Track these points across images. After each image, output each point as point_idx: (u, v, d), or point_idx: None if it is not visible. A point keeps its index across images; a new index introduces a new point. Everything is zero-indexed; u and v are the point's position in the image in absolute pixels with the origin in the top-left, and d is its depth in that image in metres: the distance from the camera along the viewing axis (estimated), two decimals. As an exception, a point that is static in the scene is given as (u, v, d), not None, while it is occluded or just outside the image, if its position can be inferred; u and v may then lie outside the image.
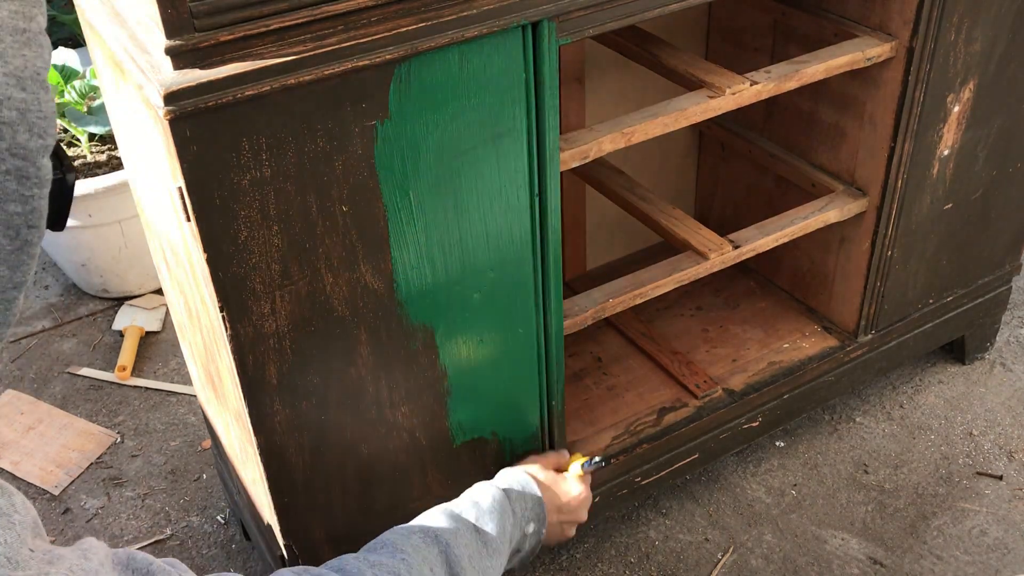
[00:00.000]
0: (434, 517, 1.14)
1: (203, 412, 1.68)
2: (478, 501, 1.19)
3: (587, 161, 1.29)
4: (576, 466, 1.36)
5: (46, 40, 0.59)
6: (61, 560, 0.60)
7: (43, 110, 0.58)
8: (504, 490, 1.22)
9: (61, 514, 1.82)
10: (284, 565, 1.31)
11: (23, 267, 0.60)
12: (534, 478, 1.28)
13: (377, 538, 1.08)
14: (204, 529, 1.78)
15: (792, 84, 1.41)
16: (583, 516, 1.34)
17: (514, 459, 1.42)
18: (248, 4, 0.90)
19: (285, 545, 1.28)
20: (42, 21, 0.59)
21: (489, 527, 1.15)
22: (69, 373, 2.15)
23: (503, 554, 1.16)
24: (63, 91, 2.20)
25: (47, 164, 0.60)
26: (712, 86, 1.37)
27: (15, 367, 2.17)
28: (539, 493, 1.25)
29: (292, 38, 0.94)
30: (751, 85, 1.37)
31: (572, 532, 1.33)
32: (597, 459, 1.35)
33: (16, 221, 0.58)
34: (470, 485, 1.39)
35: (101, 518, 1.81)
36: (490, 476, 1.41)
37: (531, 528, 1.23)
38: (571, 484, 1.33)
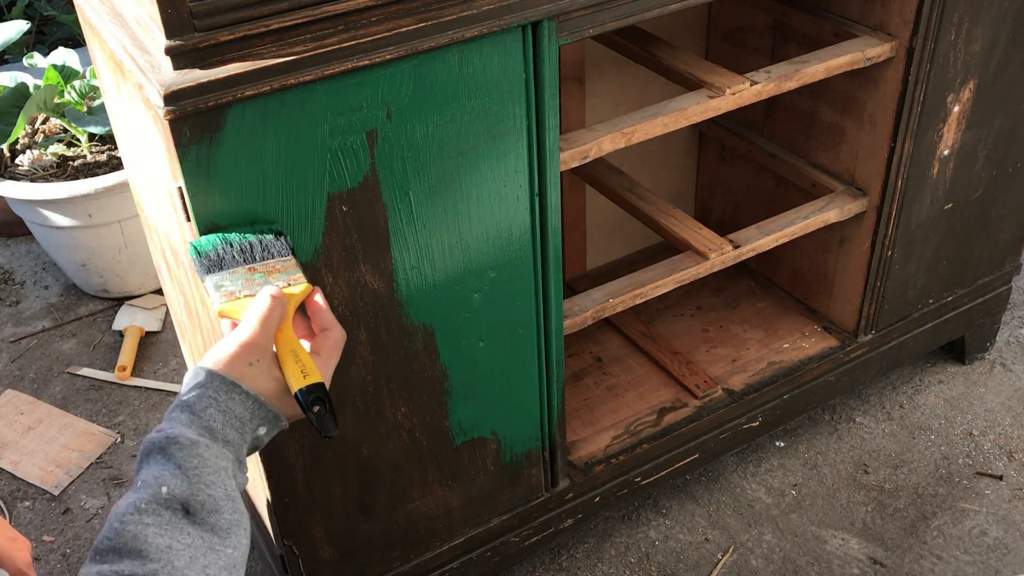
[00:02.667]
0: (129, 534, 0.78)
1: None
2: (174, 475, 0.82)
3: (587, 161, 1.29)
4: (292, 387, 0.91)
5: None
6: None
7: None
8: (210, 435, 0.86)
9: (61, 514, 1.82)
10: (284, 565, 1.31)
11: None
12: (249, 383, 0.89)
13: None
14: (204, 529, 1.78)
15: (792, 84, 1.41)
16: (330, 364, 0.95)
17: (514, 459, 1.42)
18: (248, 4, 0.90)
19: (285, 545, 1.28)
20: None
21: (205, 503, 0.82)
22: (69, 373, 2.15)
23: (237, 512, 0.84)
24: (63, 91, 2.20)
25: None
26: (712, 86, 1.37)
27: (15, 367, 2.17)
28: (252, 394, 0.88)
29: (292, 38, 0.94)
30: (751, 85, 1.37)
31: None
32: (318, 411, 0.91)
33: None
34: (471, 485, 1.40)
35: (101, 518, 1.81)
36: (490, 476, 1.41)
37: (262, 431, 0.90)
38: (291, 400, 0.92)
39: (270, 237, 0.98)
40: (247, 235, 0.97)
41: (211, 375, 0.87)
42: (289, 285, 0.94)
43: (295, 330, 0.94)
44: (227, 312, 0.93)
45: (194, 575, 0.78)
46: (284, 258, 0.98)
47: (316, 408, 0.90)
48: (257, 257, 0.96)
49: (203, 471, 0.82)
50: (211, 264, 0.95)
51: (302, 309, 0.97)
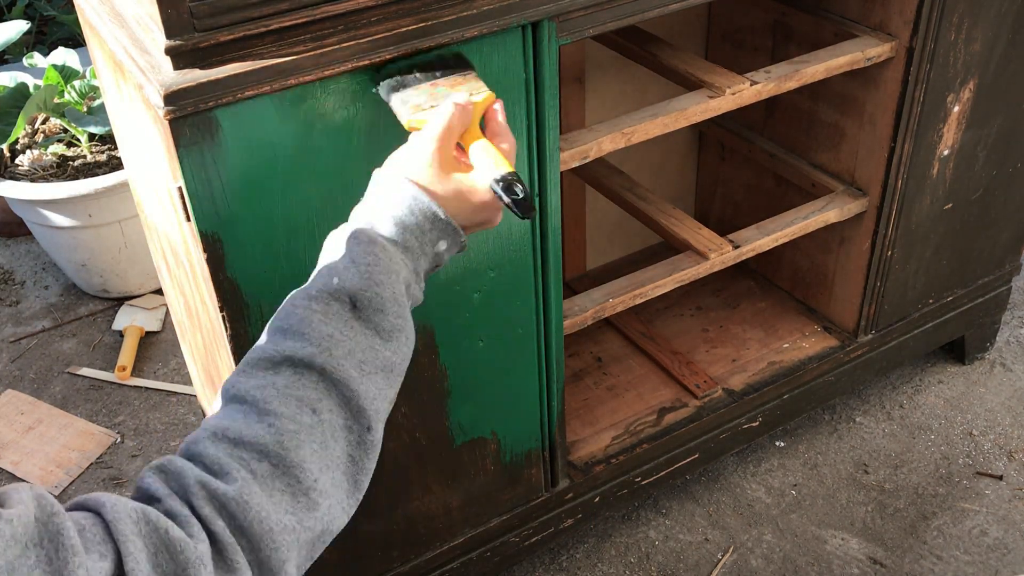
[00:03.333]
0: (295, 317, 0.80)
1: (203, 412, 1.68)
2: (348, 268, 0.83)
3: (587, 161, 1.29)
4: (488, 178, 0.91)
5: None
6: None
7: None
8: (387, 238, 0.85)
9: (61, 514, 1.82)
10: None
11: None
12: (428, 191, 0.88)
13: (232, 379, 0.78)
14: (204, 529, 1.78)
15: (792, 84, 1.41)
16: (497, 220, 0.95)
17: (514, 459, 1.42)
18: (248, 4, 0.90)
19: (285, 545, 1.28)
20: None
21: (372, 300, 0.82)
22: (69, 373, 2.15)
23: (402, 317, 0.85)
24: (63, 91, 2.20)
25: None
26: (712, 86, 1.37)
27: (15, 367, 2.17)
28: (433, 205, 0.87)
29: (292, 38, 0.94)
30: (751, 85, 1.37)
31: (496, 223, 0.95)
32: (518, 190, 0.90)
33: None
34: (471, 485, 1.40)
35: (101, 518, 1.81)
36: (490, 476, 1.41)
37: (443, 246, 0.90)
38: (481, 195, 0.91)
39: (450, 56, 1.00)
40: (427, 56, 0.99)
41: (397, 182, 0.87)
42: (472, 95, 0.95)
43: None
44: (415, 124, 0.94)
45: (350, 367, 0.78)
46: (464, 72, 0.99)
47: (515, 190, 0.89)
48: (438, 74, 0.98)
49: (375, 269, 0.82)
50: (396, 85, 0.97)
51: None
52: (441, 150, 0.88)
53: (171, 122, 0.90)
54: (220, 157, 0.95)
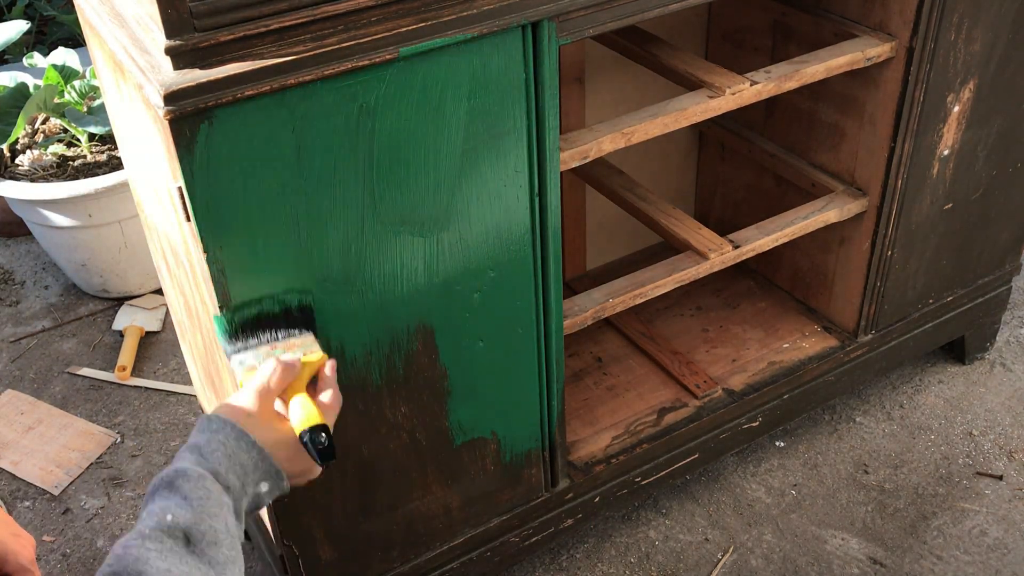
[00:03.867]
0: (136, 555, 0.81)
1: (203, 412, 1.68)
2: (180, 505, 0.85)
3: (587, 161, 1.29)
4: (296, 429, 0.99)
5: None
6: None
7: None
8: (212, 472, 0.90)
9: (61, 514, 1.82)
10: (284, 565, 1.31)
11: None
12: (246, 430, 0.94)
13: None
14: (204, 529, 1.78)
15: (792, 84, 1.41)
16: (314, 473, 1.01)
17: (514, 459, 1.42)
18: (248, 4, 0.90)
19: (285, 545, 1.28)
20: None
21: (206, 534, 0.84)
22: (69, 373, 2.15)
23: (235, 548, 0.87)
24: (63, 91, 2.20)
25: None
26: (712, 86, 1.37)
27: (15, 367, 2.17)
28: (257, 444, 0.93)
29: (292, 38, 0.94)
30: (751, 85, 1.37)
31: (313, 476, 1.02)
32: (322, 439, 0.97)
33: None
34: (471, 485, 1.40)
35: (101, 518, 1.81)
36: (490, 476, 1.41)
37: (264, 487, 0.94)
38: (294, 447, 0.98)
39: (296, 311, 1.07)
40: (274, 310, 1.06)
41: (223, 422, 0.92)
42: (305, 355, 1.02)
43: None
44: (245, 382, 1.01)
45: None
46: (304, 334, 1.07)
47: (319, 440, 0.96)
48: (279, 336, 1.05)
49: (207, 503, 0.85)
50: (239, 348, 1.04)
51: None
52: (261, 402, 0.96)
53: (171, 122, 0.90)
54: (220, 157, 0.95)
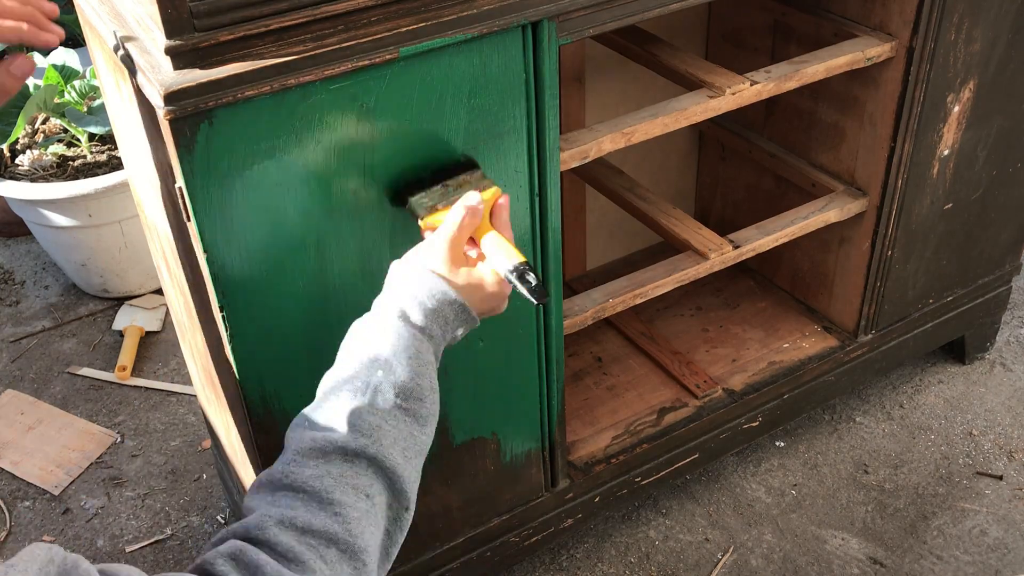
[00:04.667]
0: (340, 409, 0.85)
1: (203, 412, 1.68)
2: (390, 360, 0.88)
3: (587, 161, 1.29)
4: (502, 268, 0.99)
5: None
6: None
7: None
8: (419, 327, 0.91)
9: (61, 514, 1.82)
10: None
11: None
12: (447, 280, 0.95)
13: (282, 467, 0.82)
14: (204, 529, 1.78)
15: (792, 84, 1.41)
16: (502, 308, 1.03)
17: (514, 459, 1.42)
18: (248, 4, 0.90)
19: (285, 545, 1.28)
20: None
21: (414, 391, 0.88)
22: (69, 373, 2.15)
23: (435, 403, 0.91)
24: (63, 91, 2.20)
25: None
26: (712, 86, 1.37)
27: (15, 367, 2.17)
28: (459, 298, 0.94)
29: (292, 38, 0.94)
30: (751, 85, 1.37)
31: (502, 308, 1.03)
32: (531, 279, 0.97)
33: None
34: (471, 485, 1.39)
35: (101, 518, 1.81)
36: (490, 476, 1.41)
37: (460, 332, 0.97)
38: (492, 286, 0.99)
39: (461, 158, 1.08)
40: (437, 158, 1.07)
41: (423, 275, 0.93)
42: (482, 191, 1.02)
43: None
44: (431, 224, 1.03)
45: (397, 454, 0.84)
46: (472, 171, 1.08)
47: (528, 279, 0.97)
48: (449, 177, 1.06)
49: (415, 361, 0.88)
50: (412, 190, 1.05)
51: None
52: (453, 248, 0.96)
53: (171, 122, 0.90)
54: (220, 157, 0.95)
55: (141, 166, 1.25)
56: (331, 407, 0.85)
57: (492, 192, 1.03)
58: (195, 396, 2.06)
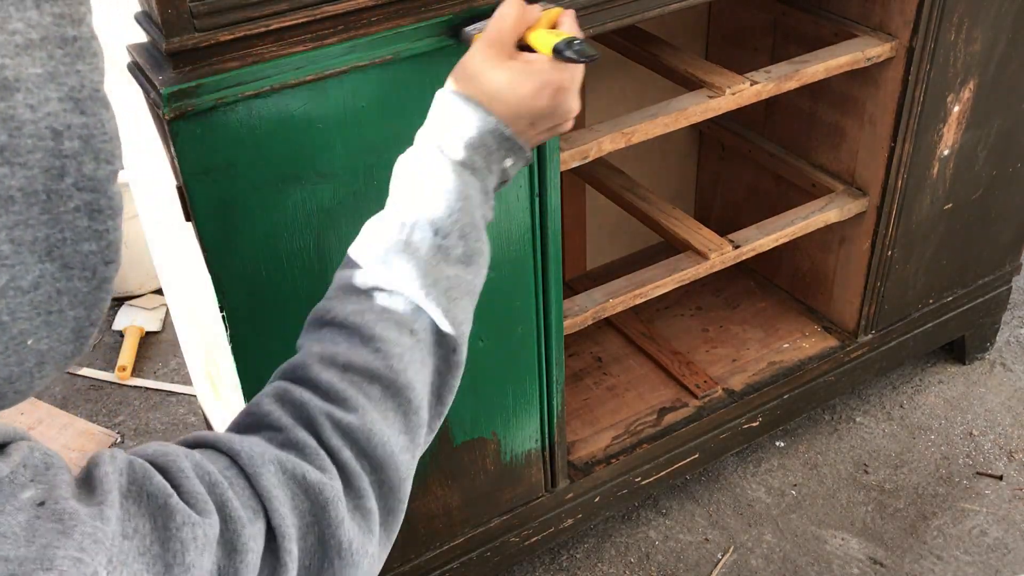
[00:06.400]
0: (378, 248, 0.81)
1: (203, 412, 1.68)
2: (429, 199, 0.82)
3: (587, 161, 1.29)
4: (549, 47, 0.88)
5: (98, 45, 0.50)
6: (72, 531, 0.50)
7: (107, 131, 0.51)
8: (459, 161, 0.84)
9: (61, 514, 1.82)
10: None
11: (100, 305, 0.55)
12: (486, 101, 0.85)
13: (326, 304, 0.79)
14: (204, 529, 1.78)
15: (792, 84, 1.41)
16: (572, 106, 0.90)
17: (514, 459, 1.42)
18: (248, 4, 0.90)
19: (285, 545, 1.28)
20: (91, 21, 0.50)
21: (453, 229, 0.82)
22: (69, 373, 2.15)
23: (480, 241, 0.85)
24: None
25: (118, 191, 0.53)
26: (712, 86, 1.37)
27: (15, 367, 2.17)
28: (507, 131, 0.85)
29: (292, 38, 0.94)
30: (751, 85, 1.37)
31: (572, 115, 0.91)
32: (577, 42, 0.86)
33: (92, 260, 0.53)
34: (471, 485, 1.39)
35: (101, 518, 1.81)
36: (490, 476, 1.41)
37: (508, 163, 0.88)
38: (543, 72, 0.86)
39: None
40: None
41: (458, 102, 0.84)
42: (543, 6, 0.93)
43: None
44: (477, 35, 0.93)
45: (439, 295, 0.78)
46: None
47: (575, 45, 0.86)
48: None
49: (452, 197, 0.81)
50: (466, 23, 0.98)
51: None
52: (494, 48, 0.86)
53: (171, 122, 0.90)
54: (220, 157, 0.95)
55: (141, 166, 1.25)
56: (370, 246, 0.80)
57: (556, 11, 0.91)
58: (195, 396, 2.06)
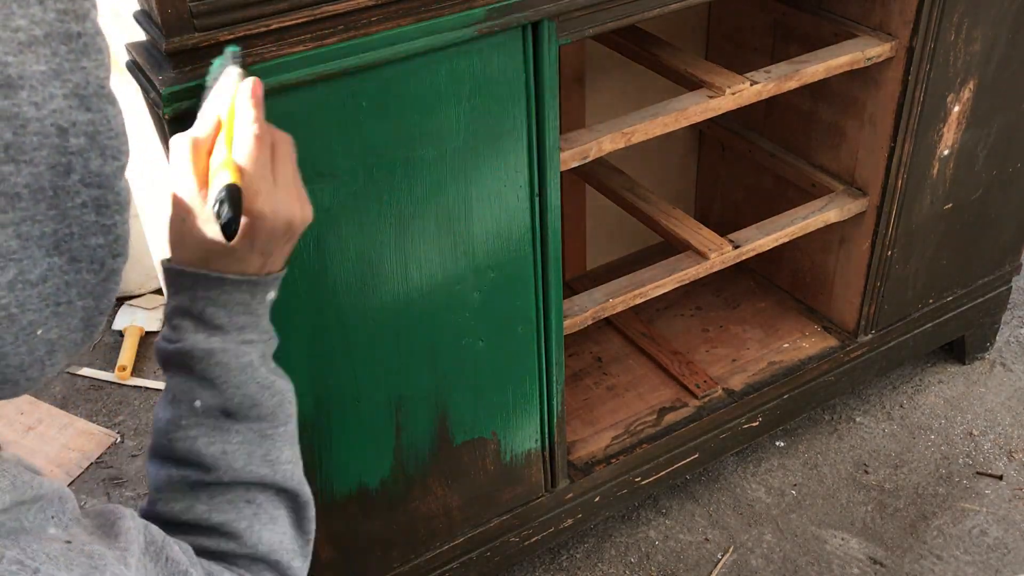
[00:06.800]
0: (187, 446, 0.77)
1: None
2: (209, 378, 0.77)
3: (587, 161, 1.29)
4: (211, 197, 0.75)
5: (104, 41, 0.51)
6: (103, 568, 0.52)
7: (113, 127, 0.51)
8: (216, 330, 0.77)
9: (61, 514, 1.82)
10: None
11: (108, 295, 0.55)
12: (222, 277, 0.77)
13: (152, 512, 0.78)
14: (204, 529, 1.78)
15: (792, 84, 1.41)
16: (289, 219, 0.80)
17: (514, 459, 1.42)
18: (248, 4, 0.90)
19: (285, 545, 1.28)
20: (96, 17, 0.50)
21: (250, 403, 0.77)
22: (69, 373, 2.15)
23: (275, 388, 0.80)
24: (63, 91, 2.19)
25: (125, 186, 0.53)
26: (712, 86, 1.37)
27: (15, 367, 2.17)
28: (237, 282, 0.77)
29: (292, 38, 0.94)
30: (751, 85, 1.37)
31: (301, 223, 0.82)
32: (221, 200, 0.73)
33: (100, 254, 0.53)
34: (471, 485, 1.40)
35: (101, 518, 1.81)
36: (490, 476, 1.41)
37: (271, 295, 0.81)
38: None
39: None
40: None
41: (192, 277, 0.77)
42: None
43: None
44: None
45: (257, 467, 0.77)
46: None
47: (220, 213, 0.73)
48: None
49: (228, 376, 0.76)
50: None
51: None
52: (185, 198, 0.77)
53: (171, 122, 0.90)
54: (220, 157, 0.95)
55: (142, 165, 1.25)
56: (169, 449, 0.77)
57: (230, 108, 0.78)
58: (195, 396, 2.05)
